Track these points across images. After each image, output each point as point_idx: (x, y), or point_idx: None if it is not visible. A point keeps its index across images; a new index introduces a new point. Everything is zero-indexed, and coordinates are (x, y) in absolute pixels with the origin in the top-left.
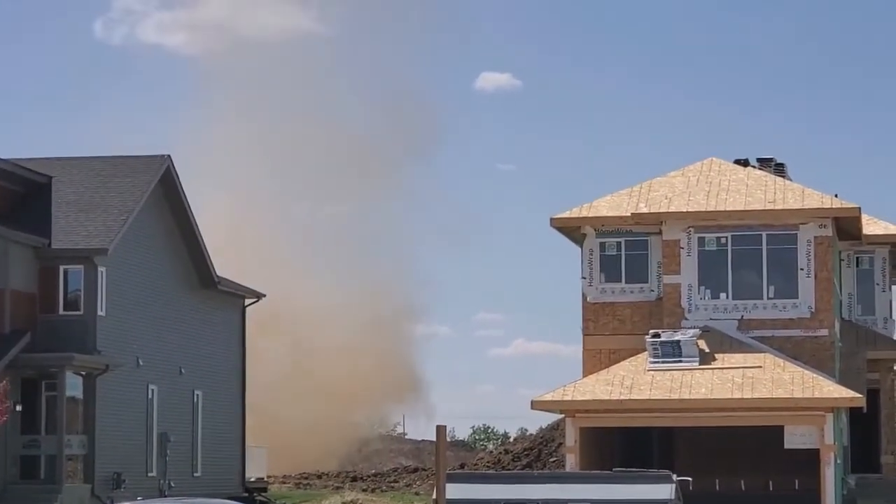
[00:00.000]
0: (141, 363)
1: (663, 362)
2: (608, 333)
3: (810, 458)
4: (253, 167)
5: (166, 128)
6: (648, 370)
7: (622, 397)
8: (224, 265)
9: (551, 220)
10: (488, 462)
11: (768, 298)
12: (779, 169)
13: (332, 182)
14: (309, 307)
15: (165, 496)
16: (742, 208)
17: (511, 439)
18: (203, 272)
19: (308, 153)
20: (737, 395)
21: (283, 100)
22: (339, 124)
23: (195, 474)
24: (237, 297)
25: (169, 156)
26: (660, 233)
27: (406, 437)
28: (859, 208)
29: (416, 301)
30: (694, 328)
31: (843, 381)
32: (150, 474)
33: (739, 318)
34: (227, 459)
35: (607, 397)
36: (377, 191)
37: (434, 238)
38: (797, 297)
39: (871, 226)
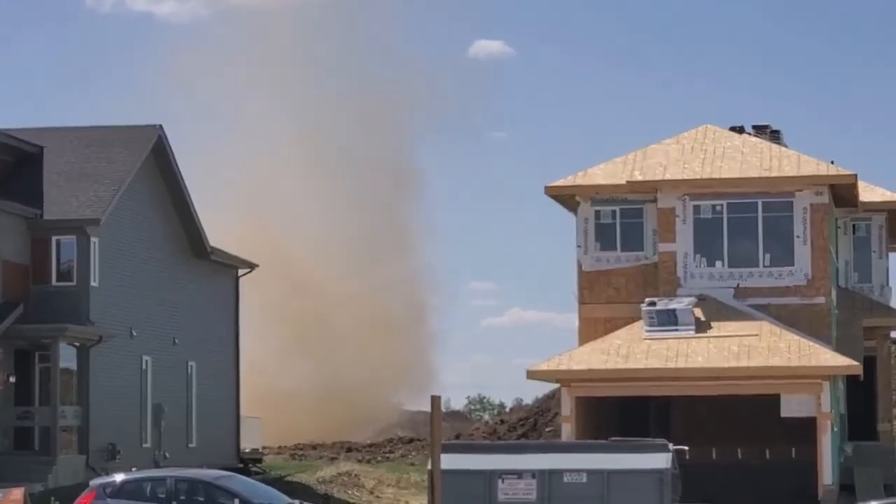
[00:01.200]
0: (134, 334)
1: (659, 331)
2: (603, 302)
3: (807, 427)
4: (261, 139)
5: (158, 98)
6: (644, 339)
7: (618, 366)
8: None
9: (546, 188)
10: (484, 432)
11: (764, 266)
12: (774, 136)
13: (326, 152)
14: (314, 270)
15: (160, 467)
16: (738, 175)
17: (507, 409)
18: (196, 242)
19: (305, 120)
20: (733, 364)
21: (277, 67)
22: (332, 93)
23: (190, 445)
24: (230, 268)
25: (161, 126)
26: (655, 200)
27: (402, 407)
28: (856, 175)
29: (424, 295)
30: (690, 296)
31: (840, 348)
32: (144, 445)
33: (735, 286)
34: (222, 430)
35: (603, 366)
36: (372, 162)
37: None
38: (793, 265)
39: (868, 193)
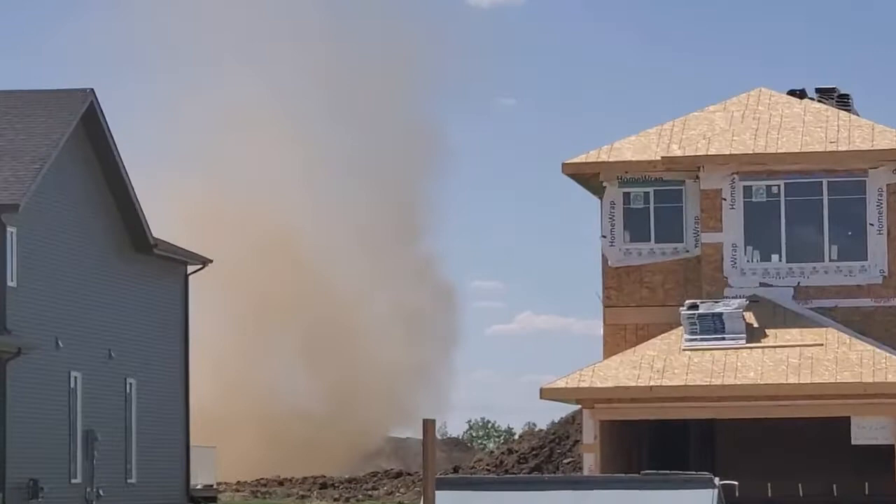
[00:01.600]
0: (61, 345)
1: (702, 340)
2: (634, 305)
3: (883, 456)
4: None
5: (102, 61)
6: (684, 349)
7: (652, 383)
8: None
9: (563, 165)
10: (488, 464)
11: (830, 260)
12: (843, 101)
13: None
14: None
15: None
16: (797, 150)
17: (516, 436)
18: (136, 233)
19: (300, 85)
20: (792, 380)
21: (254, 30)
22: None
23: (129, 480)
24: (178, 264)
25: (92, 90)
26: (697, 180)
27: (389, 434)
28: None
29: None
30: (739, 298)
31: None
32: (73, 481)
33: (795, 284)
34: (168, 462)
35: (633, 383)
36: (373, 124)
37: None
38: (866, 259)
39: None
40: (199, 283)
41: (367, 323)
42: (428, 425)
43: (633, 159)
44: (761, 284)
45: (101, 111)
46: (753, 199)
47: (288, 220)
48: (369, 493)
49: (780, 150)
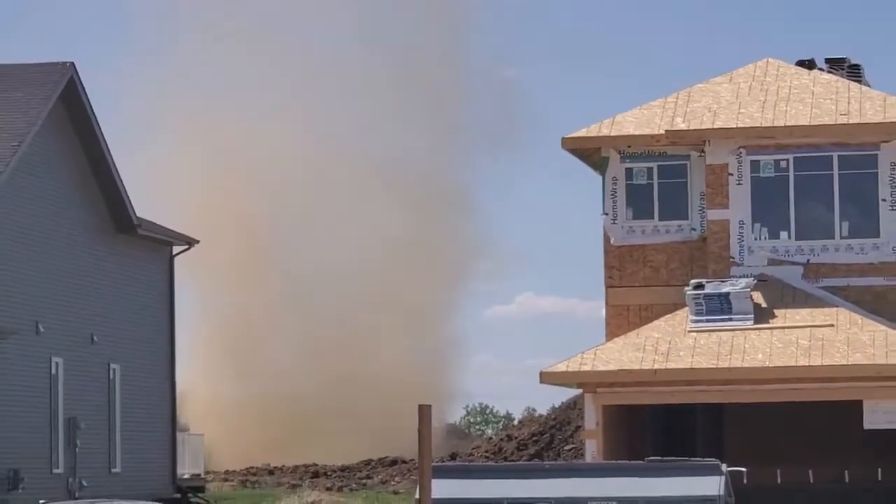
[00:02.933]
0: (42, 329)
1: (708, 321)
2: (638, 285)
3: None
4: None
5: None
6: (689, 331)
7: (656, 366)
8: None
9: (563, 140)
10: (486, 451)
11: (841, 238)
12: (854, 72)
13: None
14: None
15: (76, 498)
16: (807, 123)
17: (515, 422)
18: (119, 213)
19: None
20: (802, 363)
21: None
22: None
23: (113, 470)
24: (163, 244)
25: (72, 63)
26: (702, 155)
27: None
28: None
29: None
30: (747, 277)
31: None
32: (55, 471)
33: (805, 263)
34: (153, 451)
35: (637, 366)
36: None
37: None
38: (878, 236)
39: None
40: (201, 267)
41: (374, 311)
42: (423, 411)
43: (636, 133)
44: (770, 263)
45: (83, 86)
46: (761, 175)
47: (290, 200)
48: (363, 481)
49: (788, 123)
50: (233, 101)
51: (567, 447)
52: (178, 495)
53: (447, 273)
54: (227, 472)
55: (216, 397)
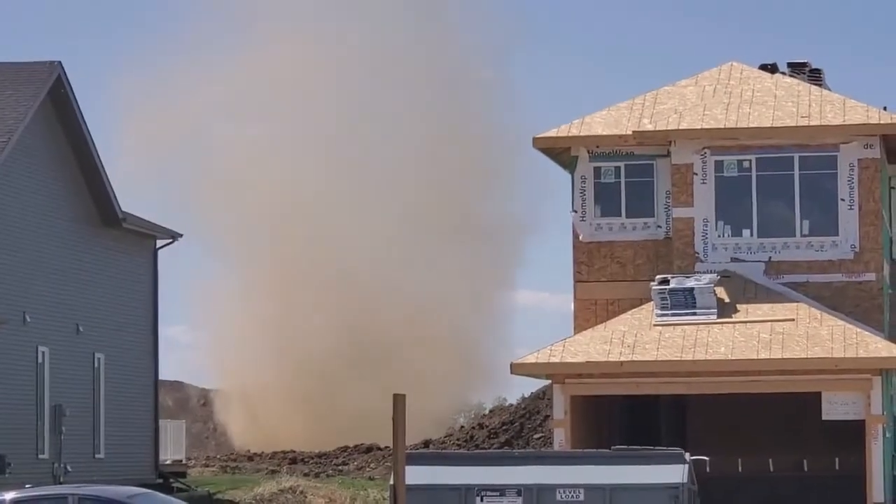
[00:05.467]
0: (28, 319)
1: (673, 315)
2: (605, 280)
3: (854, 432)
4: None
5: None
6: (655, 325)
7: (622, 358)
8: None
9: (534, 139)
10: (458, 439)
11: (802, 236)
12: (815, 76)
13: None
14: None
15: (61, 483)
16: (769, 124)
17: (486, 411)
18: (104, 207)
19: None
20: (763, 356)
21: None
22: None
23: (97, 456)
24: (147, 238)
25: (60, 62)
26: (668, 155)
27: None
28: None
29: None
30: (711, 273)
31: (895, 336)
32: (41, 456)
33: (766, 259)
34: (137, 438)
35: (604, 359)
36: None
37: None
38: (837, 234)
39: None
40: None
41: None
42: (398, 400)
43: (604, 133)
44: (732, 259)
45: (69, 84)
46: (725, 174)
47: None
48: (339, 468)
49: (751, 125)
50: (221, 98)
51: (536, 436)
52: (161, 480)
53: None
54: (207, 458)
55: (250, 384)
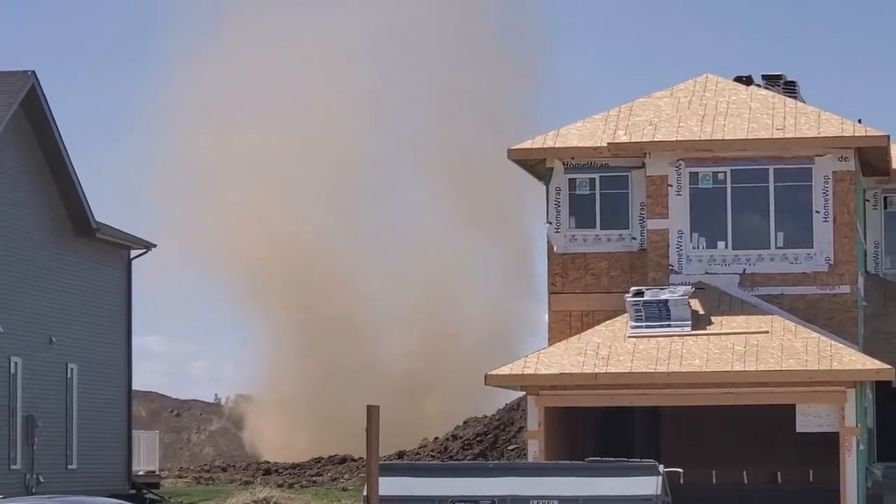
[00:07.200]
0: (1, 330)
1: (647, 327)
2: (579, 291)
3: (827, 444)
4: None
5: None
6: (629, 336)
7: (597, 370)
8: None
9: (509, 151)
10: (432, 450)
11: (777, 248)
12: (789, 88)
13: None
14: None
15: (33, 494)
16: (744, 136)
17: (461, 423)
18: (78, 217)
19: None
20: (738, 368)
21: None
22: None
23: (69, 467)
24: (121, 248)
25: (34, 72)
26: (643, 167)
27: None
28: (888, 136)
29: None
30: (685, 285)
31: (868, 348)
32: (13, 467)
33: (741, 272)
34: (110, 448)
35: (578, 370)
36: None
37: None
38: (812, 247)
39: None
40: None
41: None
42: (372, 411)
43: (580, 145)
44: (707, 272)
45: (43, 93)
46: (700, 186)
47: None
48: (313, 479)
49: (726, 137)
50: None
51: (510, 447)
52: (134, 491)
53: None
54: (181, 468)
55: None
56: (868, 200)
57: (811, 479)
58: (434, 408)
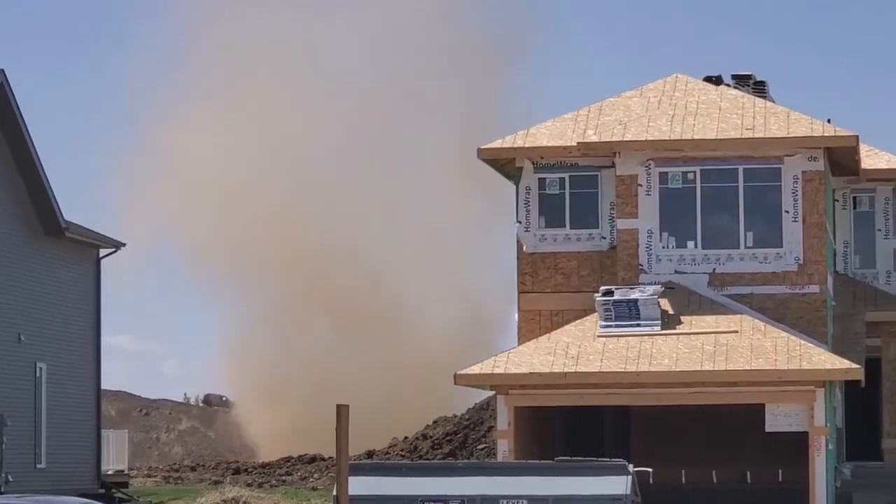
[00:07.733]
0: None
1: (617, 326)
2: (549, 291)
3: (796, 444)
4: None
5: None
6: (599, 336)
7: (566, 369)
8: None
9: (479, 150)
10: (402, 450)
11: (746, 247)
12: (759, 88)
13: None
14: None
15: (1, 493)
16: (714, 136)
17: (430, 422)
18: (47, 216)
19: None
20: (707, 367)
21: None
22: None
23: (38, 466)
24: (90, 247)
25: (2, 70)
26: (612, 166)
27: None
28: (857, 137)
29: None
30: (655, 284)
31: (838, 348)
32: None
33: (711, 271)
34: (79, 448)
35: (548, 370)
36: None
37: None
38: (781, 246)
39: (872, 158)
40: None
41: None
42: (341, 411)
43: (549, 145)
44: (676, 271)
45: (12, 92)
46: (669, 186)
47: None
48: (283, 478)
49: (696, 137)
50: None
51: (480, 447)
52: (103, 490)
53: None
54: (150, 468)
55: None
56: (837, 200)
57: (780, 479)
58: (404, 407)
